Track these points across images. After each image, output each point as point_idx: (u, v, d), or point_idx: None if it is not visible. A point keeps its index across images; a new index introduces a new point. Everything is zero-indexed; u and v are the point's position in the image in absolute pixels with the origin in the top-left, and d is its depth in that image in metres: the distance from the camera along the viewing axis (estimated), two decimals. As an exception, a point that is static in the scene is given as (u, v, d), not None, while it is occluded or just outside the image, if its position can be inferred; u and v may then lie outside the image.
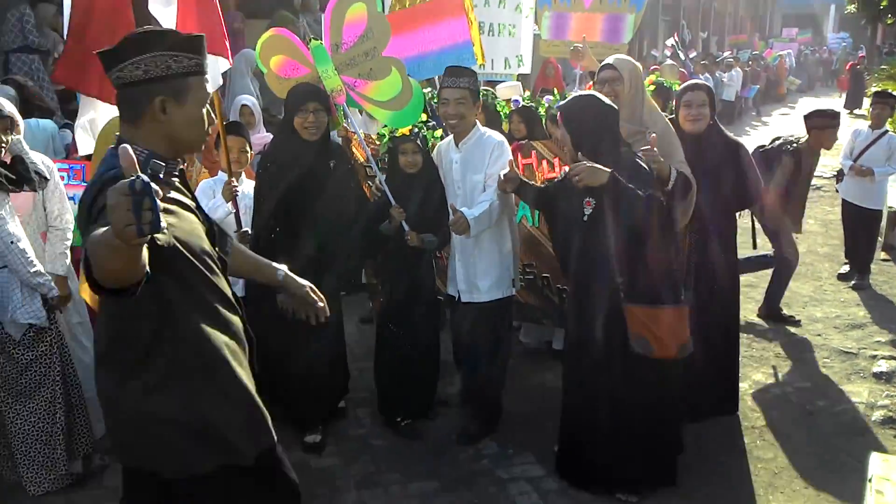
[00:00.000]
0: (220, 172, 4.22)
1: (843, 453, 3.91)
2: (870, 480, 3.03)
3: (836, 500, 3.52)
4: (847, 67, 22.66)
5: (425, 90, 4.79)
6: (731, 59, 19.20)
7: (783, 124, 18.48)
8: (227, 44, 4.01)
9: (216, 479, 2.11)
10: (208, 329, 2.08)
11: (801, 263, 6.76)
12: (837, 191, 6.86)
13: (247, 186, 4.16)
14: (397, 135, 4.14)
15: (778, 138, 5.68)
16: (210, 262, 2.11)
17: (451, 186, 3.95)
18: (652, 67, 13.19)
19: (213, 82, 4.29)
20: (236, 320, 2.20)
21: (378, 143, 4.43)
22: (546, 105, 5.13)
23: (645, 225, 3.24)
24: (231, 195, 3.94)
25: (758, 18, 41.01)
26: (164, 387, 2.03)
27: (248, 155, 4.27)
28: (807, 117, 5.58)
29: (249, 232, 3.93)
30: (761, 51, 26.10)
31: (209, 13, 3.91)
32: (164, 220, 1.51)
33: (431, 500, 3.56)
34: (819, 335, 5.43)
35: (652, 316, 3.31)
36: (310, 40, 4.09)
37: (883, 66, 16.74)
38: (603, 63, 3.91)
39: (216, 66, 4.14)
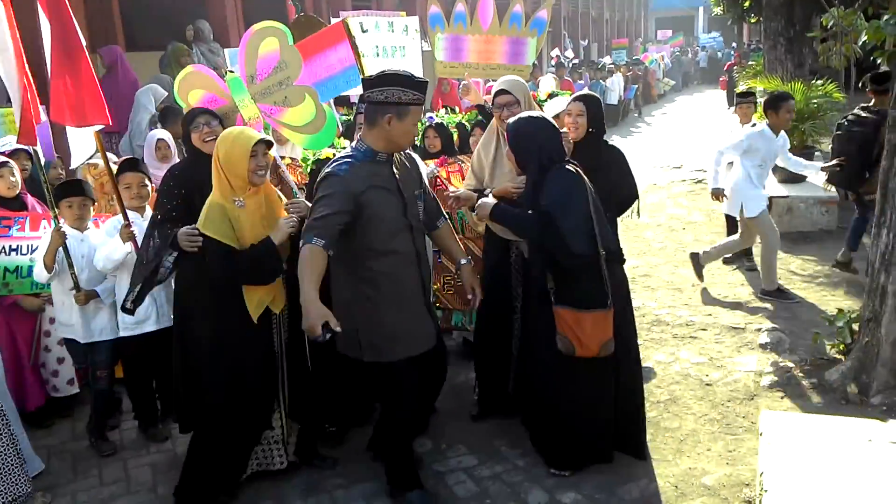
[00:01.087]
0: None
1: (739, 417, 4.37)
2: (762, 434, 3.48)
3: (735, 455, 3.96)
4: (726, 68, 24.11)
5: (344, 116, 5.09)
6: (612, 66, 20.14)
7: (663, 124, 19.55)
8: (107, 110, 4.16)
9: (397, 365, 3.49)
10: (378, 262, 3.40)
11: (688, 251, 7.33)
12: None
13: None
14: (321, 157, 4.39)
15: (851, 116, 6.14)
16: (394, 223, 3.41)
17: None
18: (538, 80, 13.77)
19: (86, 151, 4.39)
20: (404, 263, 3.47)
21: (300, 166, 4.66)
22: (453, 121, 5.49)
23: (540, 238, 3.62)
24: (129, 237, 4.07)
25: (633, 23, 42.89)
26: (356, 299, 3.44)
27: (150, 188, 4.36)
28: (872, 80, 6.13)
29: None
30: (640, 54, 27.40)
31: (89, 87, 4.07)
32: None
33: (375, 500, 3.79)
34: (710, 315, 5.95)
35: (576, 319, 3.58)
36: (226, 73, 4.28)
37: (750, 63, 17.91)
38: (497, 88, 4.19)
39: (88, 133, 4.28)
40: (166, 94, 7.45)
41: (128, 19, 10.94)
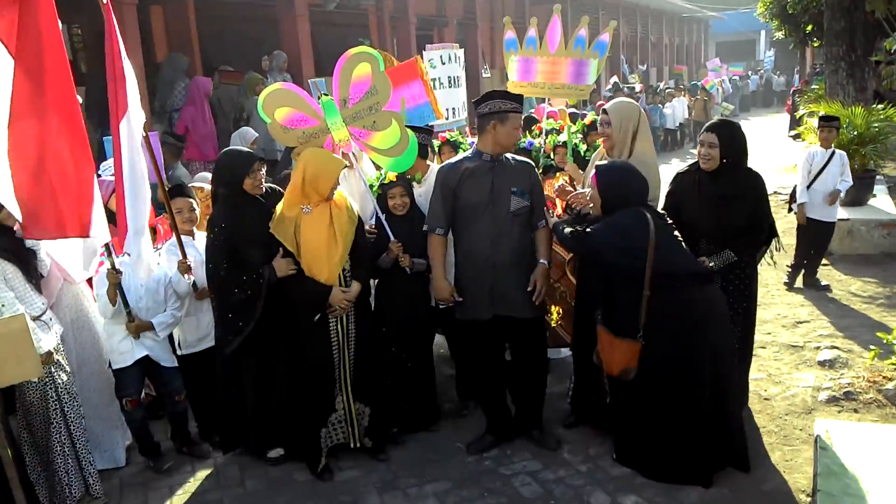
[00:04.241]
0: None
1: (796, 429, 4.51)
2: (816, 439, 3.64)
3: (793, 465, 4.11)
4: (792, 90, 23.89)
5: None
6: (671, 90, 20.20)
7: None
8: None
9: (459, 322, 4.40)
10: (465, 246, 4.28)
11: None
12: (792, 210, 7.28)
13: (199, 238, 4.62)
14: (385, 181, 4.71)
15: None
16: (469, 207, 4.23)
17: None
18: (598, 104, 14.03)
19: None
20: (480, 246, 4.24)
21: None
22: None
23: (575, 246, 4.14)
24: (186, 269, 4.38)
25: (693, 47, 42.71)
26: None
27: (197, 213, 4.63)
28: None
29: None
30: (699, 80, 27.32)
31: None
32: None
33: (446, 497, 4.05)
34: (769, 333, 6.06)
35: (609, 341, 4.01)
36: (320, 97, 4.60)
37: (813, 87, 17.81)
38: (602, 107, 4.63)
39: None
40: (256, 135, 7.92)
41: (205, 49, 11.59)
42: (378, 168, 4.95)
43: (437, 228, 4.32)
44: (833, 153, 6.98)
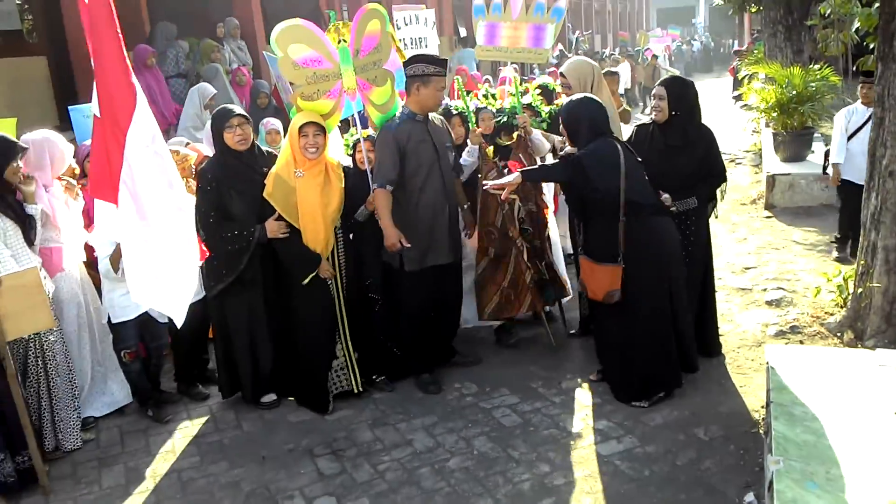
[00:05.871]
0: None
1: (748, 360, 4.95)
2: (768, 362, 4.05)
3: (746, 390, 4.56)
4: (734, 51, 24.60)
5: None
6: (618, 56, 20.62)
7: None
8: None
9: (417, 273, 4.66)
10: (419, 194, 4.60)
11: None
12: (826, 172, 7.25)
13: None
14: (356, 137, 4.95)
15: None
16: (423, 165, 4.59)
17: None
18: (549, 71, 14.32)
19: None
20: (436, 196, 4.67)
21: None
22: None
23: (566, 174, 4.39)
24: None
25: (635, 14, 43.33)
26: (402, 224, 4.55)
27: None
28: None
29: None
30: (643, 46, 27.89)
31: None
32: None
33: (433, 429, 4.37)
34: (720, 279, 6.48)
35: (591, 268, 4.35)
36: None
37: (753, 51, 18.44)
38: (561, 71, 5.16)
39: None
40: (215, 91, 8.01)
41: (155, 17, 11.49)
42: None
43: (388, 184, 4.54)
44: (872, 112, 6.46)
